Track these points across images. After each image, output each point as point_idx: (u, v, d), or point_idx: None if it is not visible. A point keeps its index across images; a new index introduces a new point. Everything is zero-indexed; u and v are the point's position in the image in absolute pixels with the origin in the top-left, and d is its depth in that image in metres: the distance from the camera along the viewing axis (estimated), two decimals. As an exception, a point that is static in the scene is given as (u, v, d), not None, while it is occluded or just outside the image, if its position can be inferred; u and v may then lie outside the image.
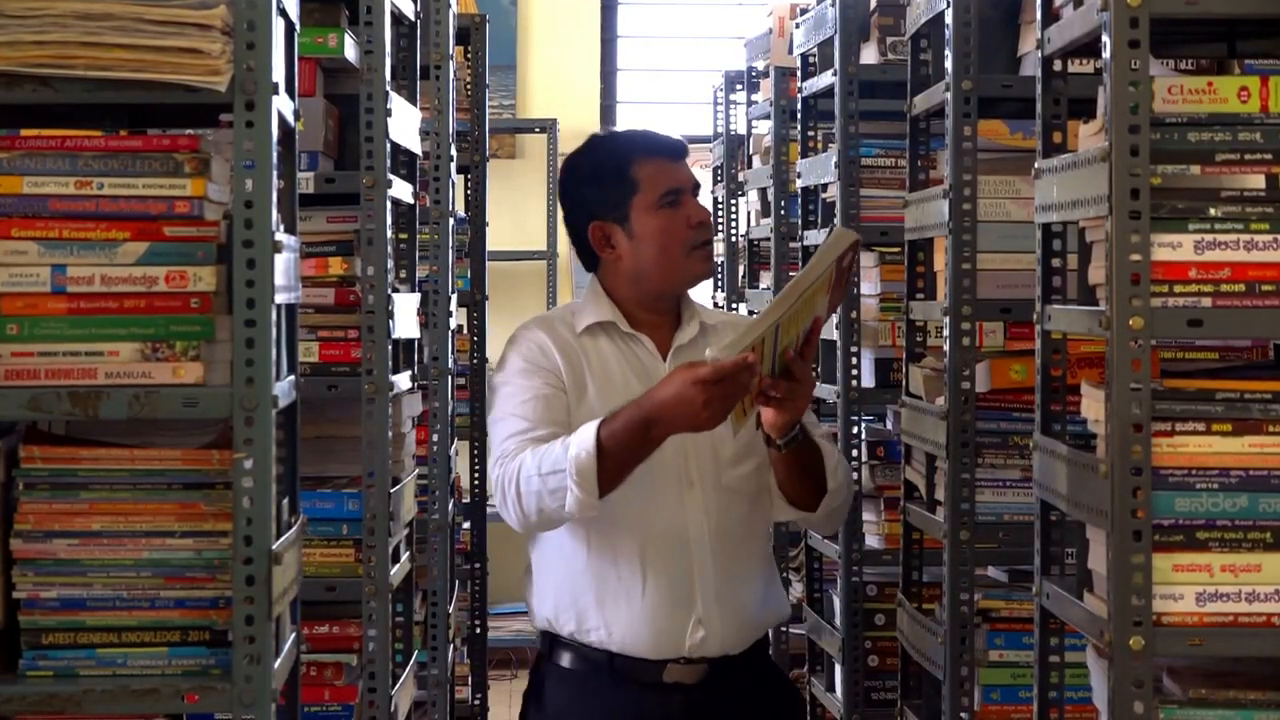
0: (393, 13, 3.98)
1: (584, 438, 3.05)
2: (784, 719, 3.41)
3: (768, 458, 3.25)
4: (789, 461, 3.21)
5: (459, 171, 5.52)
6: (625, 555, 3.22)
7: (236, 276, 2.54)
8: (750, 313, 6.09)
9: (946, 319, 3.71)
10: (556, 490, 3.07)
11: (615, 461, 3.05)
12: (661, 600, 3.22)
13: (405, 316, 4.05)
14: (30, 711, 2.61)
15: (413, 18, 4.27)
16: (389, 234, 3.85)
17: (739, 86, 7.49)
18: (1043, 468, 2.98)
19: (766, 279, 5.87)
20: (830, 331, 4.67)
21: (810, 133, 5.05)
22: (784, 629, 5.55)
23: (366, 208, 3.80)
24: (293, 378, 2.82)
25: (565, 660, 3.28)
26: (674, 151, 3.33)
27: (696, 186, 3.33)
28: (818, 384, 4.73)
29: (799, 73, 5.11)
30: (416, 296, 4.26)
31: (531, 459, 3.11)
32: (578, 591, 3.25)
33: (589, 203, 3.31)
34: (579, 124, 8.82)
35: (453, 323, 4.95)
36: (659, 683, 3.23)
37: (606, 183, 3.29)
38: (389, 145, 3.84)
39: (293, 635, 2.82)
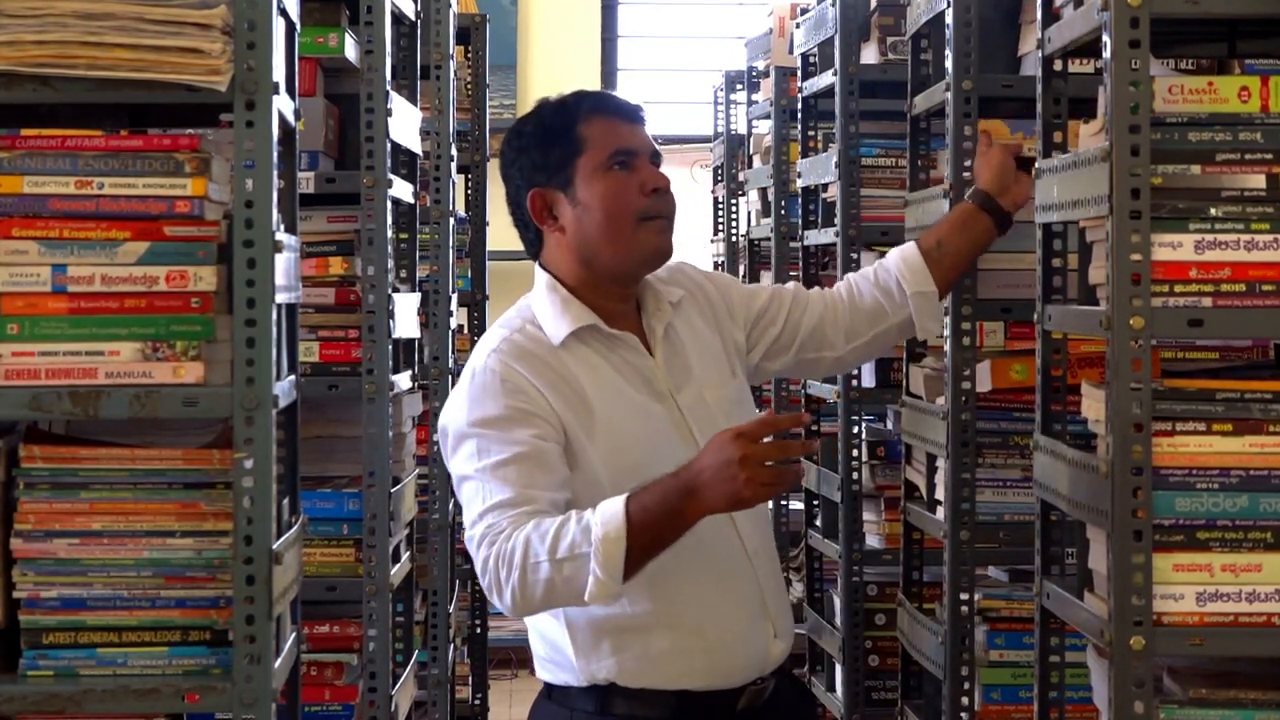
0: (393, 12, 3.98)
1: (611, 515, 2.67)
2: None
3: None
4: (991, 239, 3.31)
5: (459, 171, 5.52)
6: (693, 585, 2.85)
7: (237, 276, 2.54)
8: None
9: (947, 318, 3.71)
10: (573, 576, 2.68)
11: (645, 540, 2.68)
12: (742, 622, 2.89)
13: (406, 316, 4.05)
14: (31, 711, 2.61)
15: (413, 17, 4.28)
16: (389, 234, 3.85)
17: (739, 86, 7.50)
18: (1043, 468, 2.98)
19: (767, 279, 5.86)
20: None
21: (810, 132, 5.05)
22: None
23: (367, 207, 3.80)
24: (293, 377, 2.82)
25: (625, 709, 2.86)
26: (628, 113, 2.96)
27: (656, 155, 2.95)
28: (820, 383, 4.76)
29: (799, 72, 5.11)
30: (417, 296, 4.26)
31: (538, 540, 2.70)
32: (647, 639, 2.84)
33: (530, 168, 2.93)
34: (579, 124, 8.82)
35: (453, 322, 4.95)
36: (732, 710, 2.89)
37: (549, 144, 2.91)
38: (389, 145, 3.84)
39: (293, 635, 2.82)
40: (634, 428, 2.88)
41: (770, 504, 3.11)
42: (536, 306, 2.94)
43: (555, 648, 2.91)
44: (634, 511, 2.67)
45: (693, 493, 2.67)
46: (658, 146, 2.99)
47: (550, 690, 2.96)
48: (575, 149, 2.91)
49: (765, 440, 2.66)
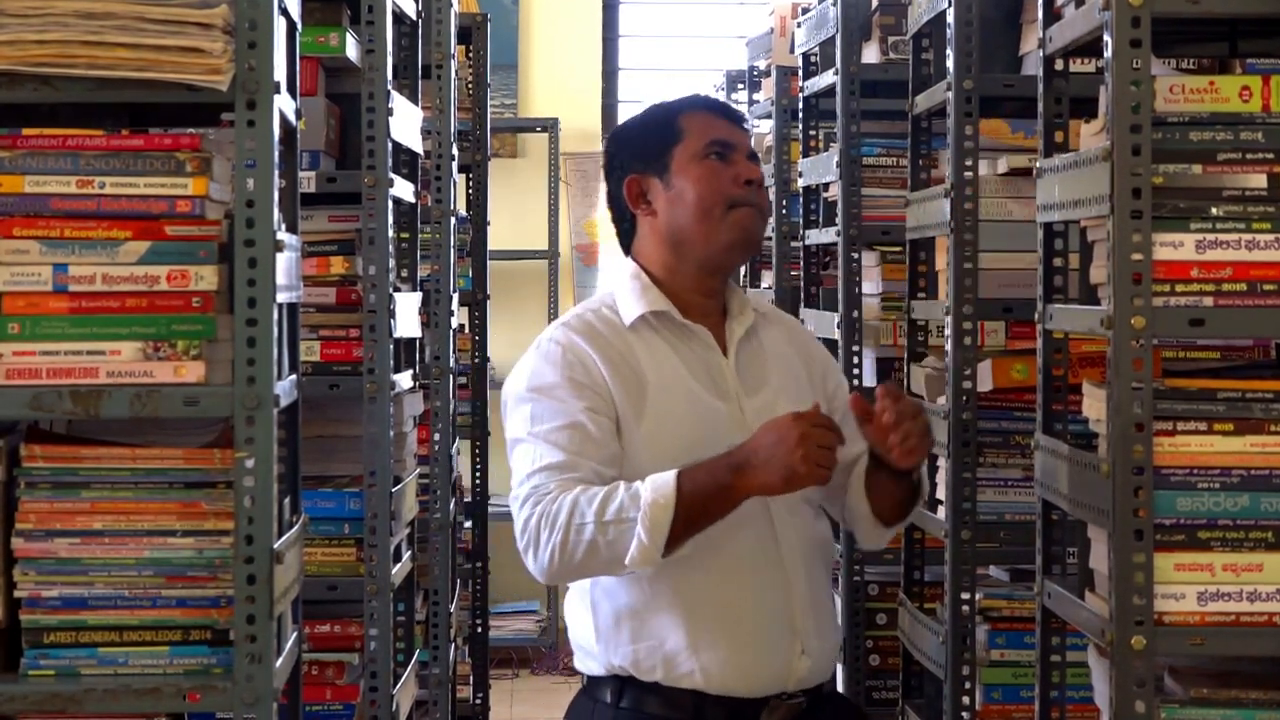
0: (394, 12, 3.98)
1: (662, 483, 2.74)
2: None
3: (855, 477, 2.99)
4: (906, 491, 2.96)
5: (460, 171, 5.52)
6: (717, 583, 2.86)
7: (238, 276, 2.54)
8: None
9: (948, 318, 3.71)
10: (617, 540, 2.74)
11: (692, 512, 2.74)
12: (764, 630, 2.87)
13: (407, 316, 4.05)
14: (32, 710, 2.61)
15: (414, 17, 4.28)
16: (390, 233, 3.85)
17: (740, 85, 7.50)
18: (1044, 467, 2.98)
19: (768, 278, 5.86)
20: (831, 331, 4.67)
21: (812, 132, 5.05)
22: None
23: (368, 207, 3.80)
24: (294, 377, 2.82)
25: (641, 705, 2.88)
26: (730, 113, 3.06)
27: (754, 156, 3.01)
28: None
29: (800, 72, 5.11)
30: (418, 296, 4.26)
31: (586, 503, 2.76)
32: (664, 631, 2.86)
33: (629, 157, 3.01)
34: (580, 123, 8.82)
35: (454, 322, 4.95)
36: None
37: (650, 133, 3.01)
38: (390, 144, 3.84)
39: (294, 634, 2.82)
40: (684, 418, 2.89)
41: (823, 526, 3.04)
42: (617, 290, 3.01)
43: (584, 635, 2.95)
44: (685, 483, 2.74)
45: (744, 469, 2.74)
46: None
47: (585, 682, 2.99)
48: (674, 137, 2.99)
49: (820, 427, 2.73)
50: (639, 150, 3.01)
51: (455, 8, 5.09)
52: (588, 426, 2.84)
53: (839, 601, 4.69)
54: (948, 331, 3.71)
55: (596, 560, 2.77)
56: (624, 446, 2.87)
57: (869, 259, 4.62)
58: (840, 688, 4.71)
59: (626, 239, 3.05)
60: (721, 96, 7.96)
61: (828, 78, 4.74)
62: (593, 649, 2.92)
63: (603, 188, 3.12)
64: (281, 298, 2.61)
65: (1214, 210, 2.60)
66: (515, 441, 2.90)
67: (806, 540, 2.96)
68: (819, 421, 2.74)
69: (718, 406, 2.92)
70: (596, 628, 2.91)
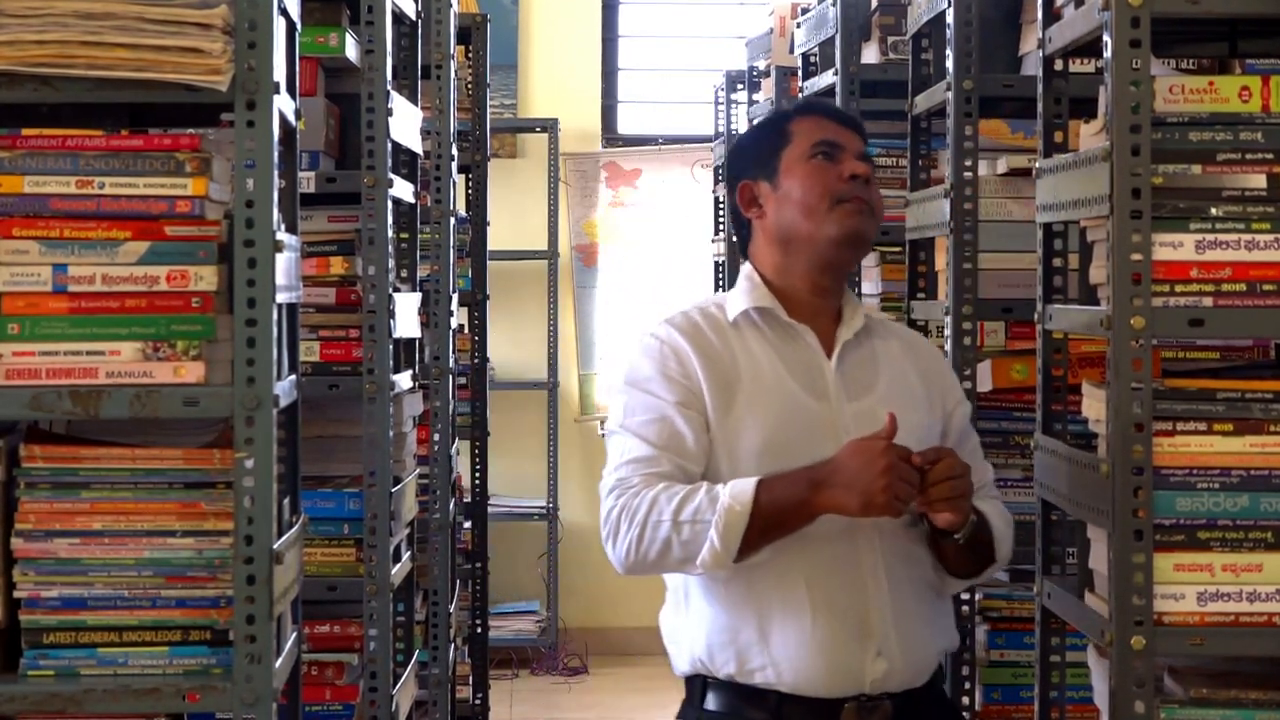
0: (394, 12, 3.98)
1: (741, 490, 2.77)
2: None
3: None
4: (963, 549, 2.88)
5: (460, 171, 5.52)
6: (790, 581, 2.85)
7: (238, 276, 2.54)
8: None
9: (948, 318, 3.71)
10: (691, 541, 2.77)
11: (767, 522, 2.77)
12: (835, 630, 2.84)
13: (406, 316, 4.05)
14: (32, 711, 2.61)
15: (414, 17, 4.28)
16: (390, 233, 3.85)
17: (740, 86, 7.50)
18: (1044, 467, 2.98)
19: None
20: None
21: (811, 132, 5.04)
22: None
23: (367, 207, 3.80)
24: (294, 377, 2.82)
25: (723, 705, 2.89)
26: (842, 117, 3.07)
27: (865, 157, 2.99)
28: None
29: (800, 72, 5.12)
30: (417, 296, 4.26)
31: (665, 501, 2.80)
32: (736, 627, 2.87)
33: (742, 163, 3.06)
34: (580, 123, 8.82)
35: (454, 322, 4.95)
36: None
37: (762, 139, 3.05)
38: (390, 145, 3.84)
39: (294, 634, 2.82)
40: (776, 414, 2.89)
41: (919, 531, 2.93)
42: (731, 290, 3.04)
43: (674, 631, 2.97)
44: (763, 493, 2.76)
45: (823, 486, 2.75)
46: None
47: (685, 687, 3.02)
48: (783, 141, 3.01)
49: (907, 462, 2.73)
50: (751, 157, 3.04)
51: (455, 8, 5.09)
52: (676, 421, 2.88)
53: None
54: (947, 332, 3.71)
55: (670, 558, 2.81)
56: (713, 440, 2.89)
57: (869, 259, 4.61)
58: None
59: (744, 244, 3.08)
60: (721, 97, 7.98)
61: (827, 78, 4.74)
62: (680, 641, 2.94)
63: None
64: (281, 298, 2.61)
65: (1213, 210, 2.60)
66: (610, 432, 2.96)
67: (894, 542, 2.90)
68: (906, 455, 2.74)
69: (812, 406, 2.91)
70: (679, 622, 2.94)
